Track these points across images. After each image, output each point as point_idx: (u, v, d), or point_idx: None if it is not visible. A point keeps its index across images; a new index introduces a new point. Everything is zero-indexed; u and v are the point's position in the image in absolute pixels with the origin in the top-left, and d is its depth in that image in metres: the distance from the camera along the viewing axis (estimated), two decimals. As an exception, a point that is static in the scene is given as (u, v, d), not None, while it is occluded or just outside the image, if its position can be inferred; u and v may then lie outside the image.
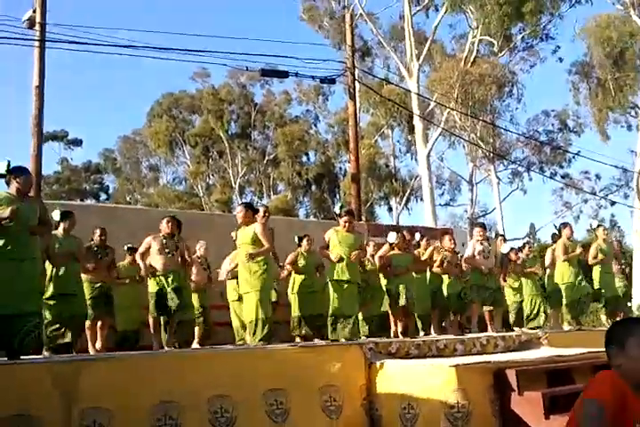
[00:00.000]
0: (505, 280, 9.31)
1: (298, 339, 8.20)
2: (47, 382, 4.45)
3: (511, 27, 26.35)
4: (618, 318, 9.50)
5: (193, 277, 8.01)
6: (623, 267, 10.24)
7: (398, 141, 32.38)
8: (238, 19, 56.20)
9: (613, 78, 24.76)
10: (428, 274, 9.04)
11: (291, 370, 5.64)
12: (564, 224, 9.64)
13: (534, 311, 9.48)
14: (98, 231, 7.41)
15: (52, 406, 4.40)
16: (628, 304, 10.53)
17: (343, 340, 6.92)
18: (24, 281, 4.98)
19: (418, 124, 24.33)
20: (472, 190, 29.22)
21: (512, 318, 9.61)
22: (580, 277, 9.17)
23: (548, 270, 9.79)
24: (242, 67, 15.31)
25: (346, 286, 7.14)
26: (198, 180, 34.60)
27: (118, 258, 7.98)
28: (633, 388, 2.08)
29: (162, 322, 6.82)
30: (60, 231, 6.71)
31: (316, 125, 35.05)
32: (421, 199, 27.25)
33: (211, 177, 35.32)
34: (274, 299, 7.35)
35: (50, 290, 6.43)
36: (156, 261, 6.71)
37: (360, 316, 7.87)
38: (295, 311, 8.27)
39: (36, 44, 10.88)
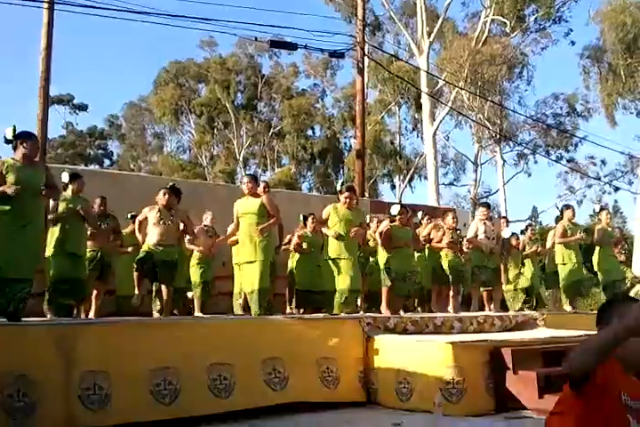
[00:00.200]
0: (505, 265, 9.32)
1: (295, 312, 8.27)
2: (48, 344, 4.51)
3: (524, 7, 26.00)
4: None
5: (196, 248, 8.04)
6: (624, 252, 10.24)
7: (405, 119, 32.21)
8: (249, -12, 55.27)
9: (625, 64, 24.49)
10: (427, 251, 9.07)
11: (289, 341, 5.72)
12: (567, 206, 9.58)
13: (532, 293, 9.54)
14: (98, 201, 7.41)
15: (53, 368, 4.47)
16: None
17: (343, 314, 6.98)
18: (26, 246, 5.02)
19: (425, 102, 24.13)
20: (476, 171, 29.17)
21: (510, 298, 9.68)
22: (577, 260, 9.14)
23: (548, 252, 9.81)
24: (250, 37, 15.18)
25: (344, 262, 7.15)
26: (202, 150, 34.49)
27: (123, 225, 8.01)
28: (623, 368, 2.01)
29: (153, 289, 6.80)
30: (69, 193, 6.73)
31: (322, 99, 34.86)
32: (425, 178, 27.21)
33: (215, 147, 35.21)
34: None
35: (55, 248, 6.46)
36: (152, 232, 6.69)
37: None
38: (297, 286, 8.33)
39: (45, 5, 10.76)
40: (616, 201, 32.91)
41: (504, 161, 28.13)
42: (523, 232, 9.84)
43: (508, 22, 26.05)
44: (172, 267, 6.71)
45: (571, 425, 1.90)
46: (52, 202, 6.43)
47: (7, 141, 5.22)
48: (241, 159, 33.08)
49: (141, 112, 37.62)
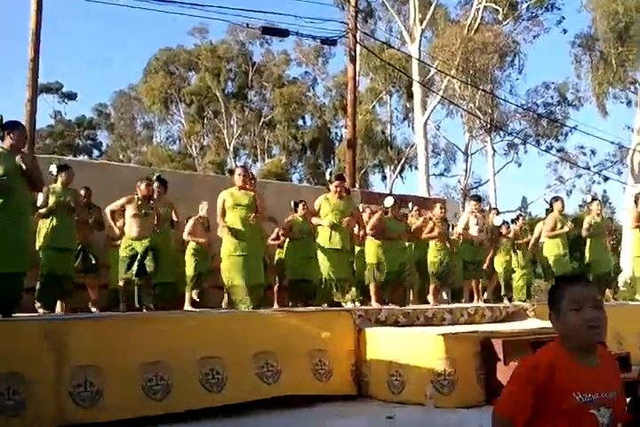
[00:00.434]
0: (494, 255, 9.35)
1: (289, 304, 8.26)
2: (38, 340, 4.48)
3: (517, -6, 25.96)
4: (604, 295, 9.62)
5: (197, 240, 7.98)
6: (613, 243, 10.29)
7: (396, 109, 32.14)
8: (239, -26, 54.77)
9: (616, 53, 24.45)
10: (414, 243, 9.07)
11: (281, 334, 5.72)
12: (556, 198, 9.60)
13: (522, 283, 9.57)
14: (82, 192, 7.33)
15: (43, 364, 4.45)
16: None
17: (345, 303, 6.95)
18: (18, 239, 4.97)
19: (417, 90, 24.05)
20: (467, 161, 29.20)
21: (502, 289, 9.71)
22: (565, 252, 9.15)
23: (538, 243, 9.84)
24: (242, 23, 15.05)
25: (337, 253, 7.14)
26: (192, 140, 34.29)
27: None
28: (576, 354, 1.93)
29: (137, 284, 6.68)
30: (58, 185, 6.66)
31: (313, 88, 34.69)
32: (416, 168, 27.19)
33: (205, 137, 35.00)
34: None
35: (46, 242, 6.40)
36: (131, 224, 6.63)
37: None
38: (288, 276, 8.31)
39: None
40: (605, 191, 33.10)
41: (494, 151, 28.17)
42: (514, 221, 9.87)
43: (500, 9, 25.96)
44: (154, 255, 6.62)
45: None
46: (40, 194, 6.37)
47: None
48: (231, 150, 32.91)
49: (130, 101, 37.31)
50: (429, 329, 6.34)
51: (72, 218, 6.67)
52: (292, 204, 8.64)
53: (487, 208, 11.05)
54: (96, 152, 40.20)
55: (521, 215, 10.46)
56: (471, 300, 8.93)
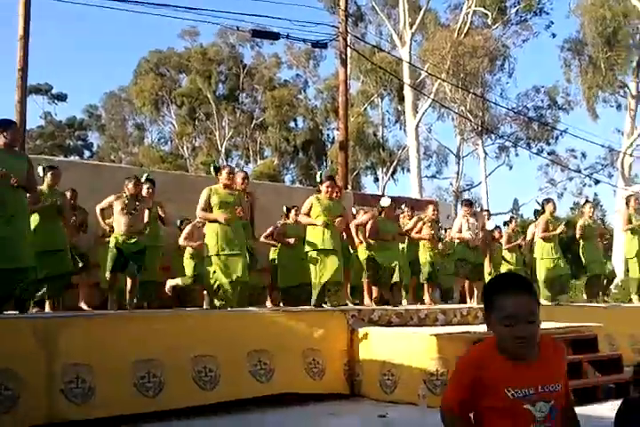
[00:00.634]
0: (491, 259, 9.37)
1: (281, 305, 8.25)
2: (30, 337, 4.46)
3: (506, -1, 26.14)
4: (597, 297, 9.66)
5: (191, 244, 7.97)
6: (606, 243, 10.35)
7: (387, 111, 32.24)
8: (230, -23, 54.86)
9: (605, 57, 24.65)
10: (406, 243, 9.10)
11: (275, 333, 5.72)
12: (548, 200, 9.59)
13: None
14: (68, 194, 7.28)
15: (35, 361, 4.42)
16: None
17: (328, 306, 6.96)
18: (18, 236, 4.96)
19: (408, 93, 24.15)
20: (459, 163, 29.34)
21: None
22: (557, 256, 9.13)
23: (530, 246, 9.88)
24: (232, 26, 15.06)
25: (330, 254, 7.11)
26: (184, 141, 34.22)
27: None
28: (507, 356, 1.86)
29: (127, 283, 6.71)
30: (44, 186, 6.62)
31: (305, 91, 34.75)
32: (408, 170, 27.25)
33: (197, 139, 34.94)
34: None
35: (35, 245, 6.37)
36: (119, 221, 6.65)
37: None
38: (280, 283, 8.31)
39: (23, -8, 10.57)
40: (596, 194, 33.24)
41: (486, 153, 28.30)
42: (506, 224, 9.91)
43: (489, 14, 26.13)
44: (141, 257, 6.68)
45: None
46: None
47: None
48: (223, 151, 32.87)
49: (121, 102, 37.20)
50: (422, 329, 6.35)
51: (59, 220, 6.63)
52: (285, 209, 8.61)
53: (479, 210, 11.10)
54: (87, 153, 40.08)
55: (513, 218, 10.53)
56: (462, 300, 8.96)
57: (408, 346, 5.84)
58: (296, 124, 34.26)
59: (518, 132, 28.73)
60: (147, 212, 7.06)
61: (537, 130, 28.34)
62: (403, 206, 9.75)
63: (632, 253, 9.66)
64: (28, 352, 4.40)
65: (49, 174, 6.67)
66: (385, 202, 8.14)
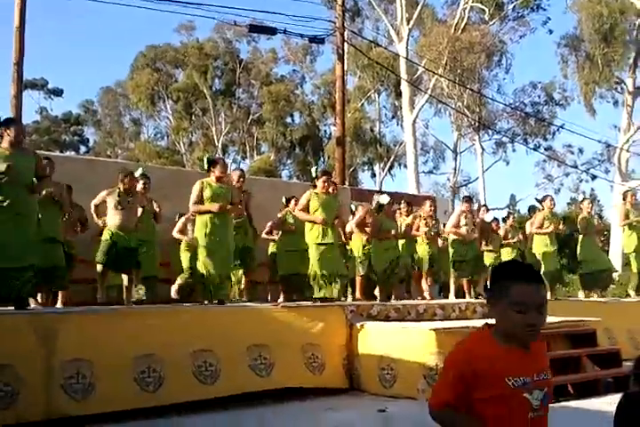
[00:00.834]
0: (488, 248, 9.40)
1: (282, 298, 8.22)
2: (28, 333, 4.46)
3: (503, -6, 26.13)
4: (594, 293, 9.68)
5: (185, 237, 7.95)
6: (603, 239, 10.40)
7: (384, 106, 32.18)
8: (227, -28, 54.57)
9: (601, 53, 24.64)
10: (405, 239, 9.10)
11: (274, 328, 5.73)
12: (546, 196, 9.67)
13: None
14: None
15: (34, 357, 4.42)
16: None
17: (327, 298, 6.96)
18: (22, 235, 4.94)
19: (405, 89, 24.12)
20: (456, 159, 29.33)
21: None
22: (553, 250, 9.18)
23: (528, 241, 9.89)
24: (229, 21, 15.01)
25: (329, 248, 7.11)
26: (180, 136, 34.10)
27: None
28: (504, 342, 1.89)
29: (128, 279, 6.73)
30: None
31: (302, 86, 34.64)
32: (405, 166, 27.24)
33: (193, 134, 34.83)
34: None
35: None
36: (112, 216, 6.64)
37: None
38: (281, 270, 8.30)
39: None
40: (593, 189, 33.26)
41: (483, 149, 28.31)
42: (504, 220, 9.92)
43: (486, 9, 26.09)
44: (134, 253, 6.67)
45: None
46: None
47: None
48: (220, 146, 32.78)
49: (117, 97, 37.04)
50: (421, 324, 6.36)
51: (57, 210, 6.59)
52: (284, 199, 8.64)
53: (476, 206, 11.10)
54: (83, 148, 39.96)
55: (511, 213, 10.55)
56: (462, 296, 8.97)
57: (407, 341, 5.86)
58: (293, 120, 34.20)
59: (515, 127, 28.74)
60: (140, 208, 7.03)
61: (534, 125, 28.34)
62: (402, 203, 9.72)
63: (631, 247, 9.75)
64: (27, 348, 4.39)
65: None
66: (384, 199, 8.14)
